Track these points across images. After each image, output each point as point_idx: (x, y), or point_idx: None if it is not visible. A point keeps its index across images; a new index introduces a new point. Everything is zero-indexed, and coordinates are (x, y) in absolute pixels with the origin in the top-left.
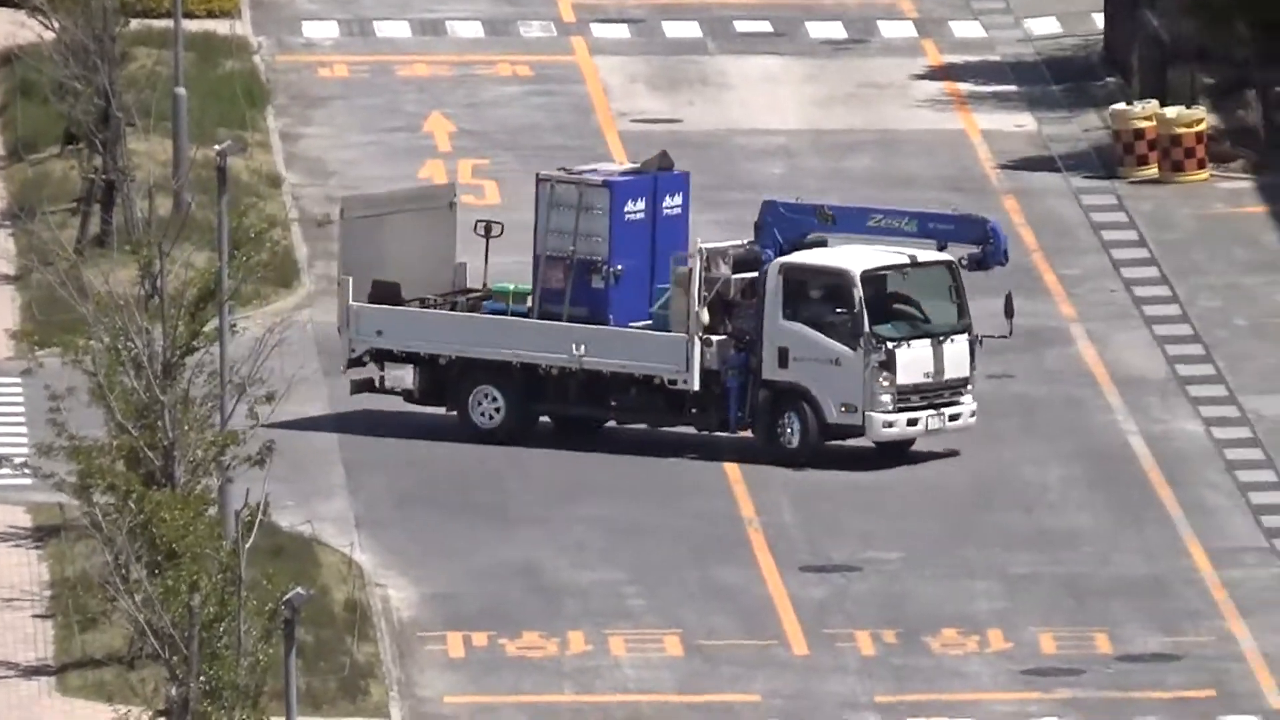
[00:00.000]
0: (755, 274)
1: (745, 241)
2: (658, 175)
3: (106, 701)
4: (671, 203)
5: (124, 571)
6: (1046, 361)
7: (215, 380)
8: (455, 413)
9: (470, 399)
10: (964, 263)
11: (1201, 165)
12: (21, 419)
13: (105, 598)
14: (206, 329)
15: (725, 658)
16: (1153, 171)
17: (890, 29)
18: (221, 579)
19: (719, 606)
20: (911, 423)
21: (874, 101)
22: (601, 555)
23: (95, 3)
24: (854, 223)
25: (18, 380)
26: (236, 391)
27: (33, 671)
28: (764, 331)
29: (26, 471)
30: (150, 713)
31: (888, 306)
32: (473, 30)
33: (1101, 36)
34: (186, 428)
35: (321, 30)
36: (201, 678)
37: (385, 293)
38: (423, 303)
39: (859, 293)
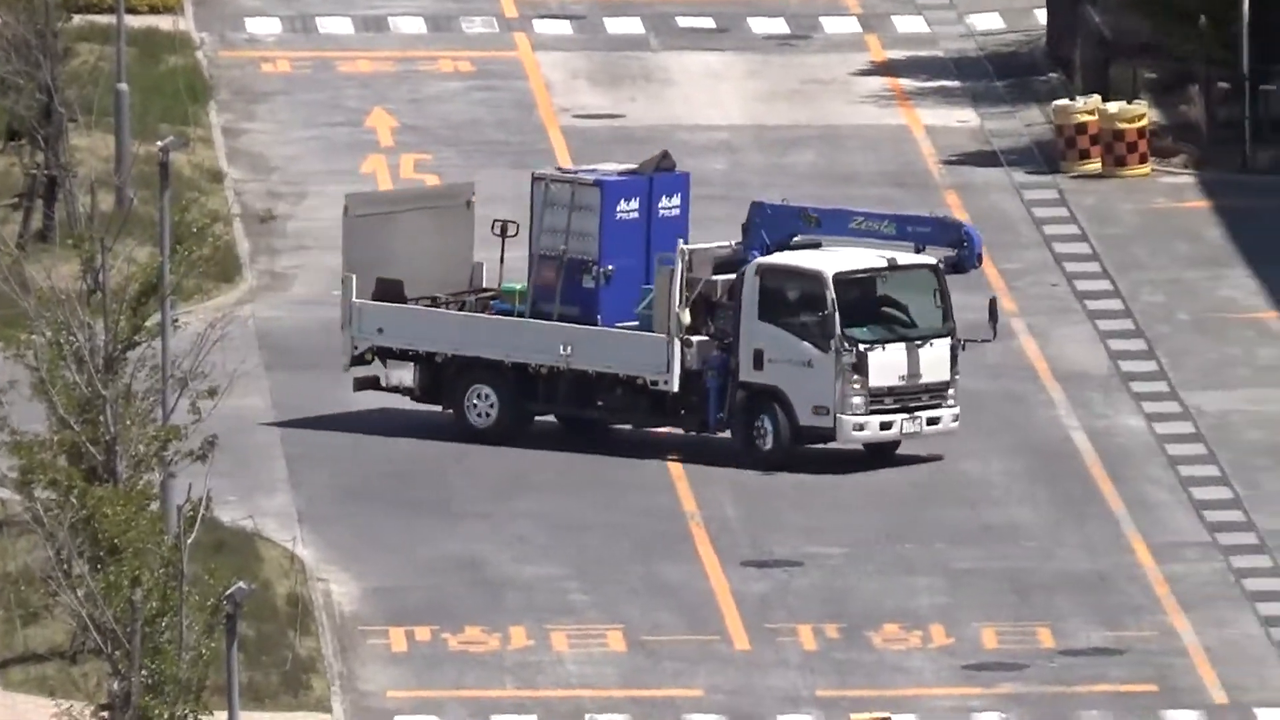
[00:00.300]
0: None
1: (732, 243)
2: (653, 176)
3: (49, 696)
4: (669, 203)
5: (66, 566)
6: (988, 356)
7: (157, 375)
8: (451, 411)
9: (465, 398)
10: (941, 266)
11: (1144, 160)
12: None
13: (47, 593)
14: (148, 324)
15: (668, 653)
16: (1095, 166)
17: (833, 24)
18: (164, 574)
19: (661, 602)
20: (885, 426)
21: (817, 97)
22: (543, 550)
23: None
24: (837, 225)
25: None
26: (178, 386)
27: None
28: (740, 332)
29: None
30: (92, 707)
31: (865, 309)
32: (415, 26)
33: (1044, 32)
34: (128, 422)
35: (264, 26)
36: (144, 672)
37: (389, 290)
38: (434, 301)
39: (831, 294)
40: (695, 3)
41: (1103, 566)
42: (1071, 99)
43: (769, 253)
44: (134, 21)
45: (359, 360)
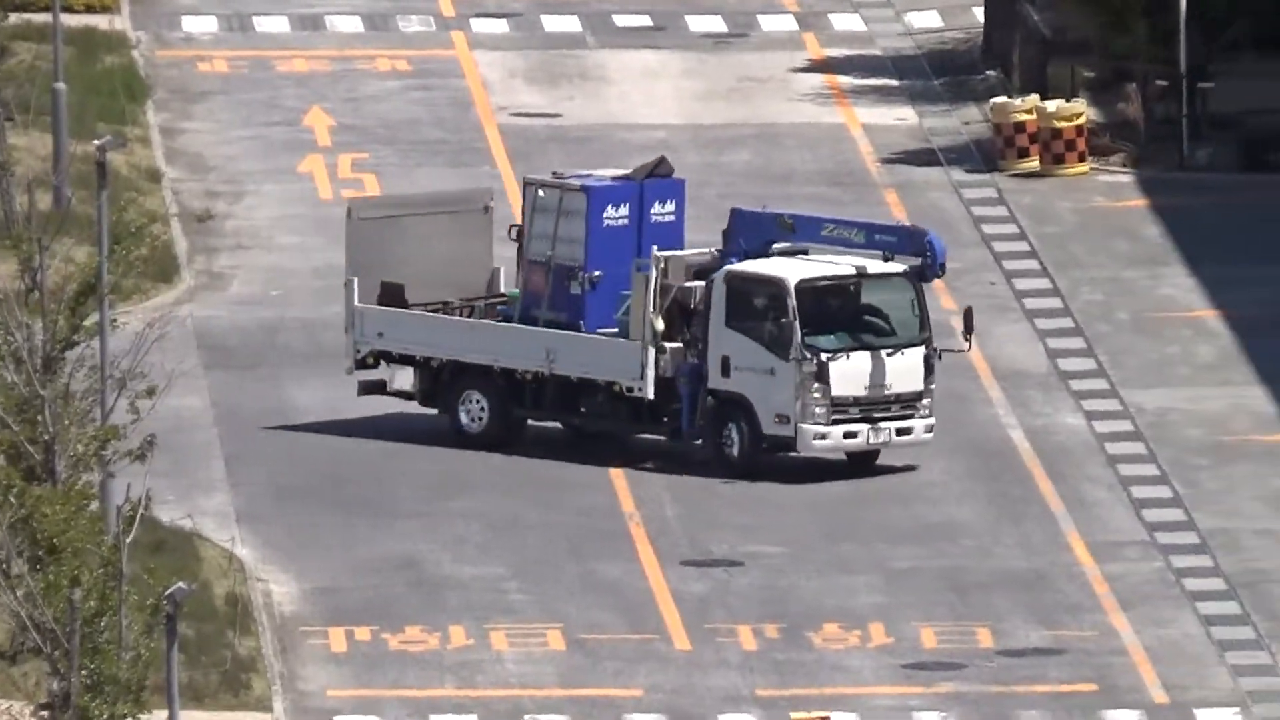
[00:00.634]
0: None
1: (711, 249)
2: (644, 182)
3: None
4: (662, 210)
5: (5, 566)
6: None
7: (96, 375)
8: (445, 414)
9: (458, 402)
10: (909, 273)
11: (1082, 159)
12: None
13: None
14: (87, 323)
15: (607, 652)
16: (1033, 165)
17: (770, 22)
18: (103, 574)
19: (600, 601)
20: (849, 435)
21: (754, 95)
22: (482, 550)
23: None
24: (810, 232)
25: None
26: (117, 386)
27: None
28: (709, 340)
29: None
30: (32, 707)
31: (833, 317)
32: (352, 25)
33: (982, 30)
34: (67, 422)
35: (201, 25)
36: (83, 672)
37: (392, 294)
38: (445, 306)
39: (793, 302)
40: (632, 1)
41: (1041, 565)
42: (1010, 97)
43: (746, 259)
44: (71, 20)
45: (362, 364)
